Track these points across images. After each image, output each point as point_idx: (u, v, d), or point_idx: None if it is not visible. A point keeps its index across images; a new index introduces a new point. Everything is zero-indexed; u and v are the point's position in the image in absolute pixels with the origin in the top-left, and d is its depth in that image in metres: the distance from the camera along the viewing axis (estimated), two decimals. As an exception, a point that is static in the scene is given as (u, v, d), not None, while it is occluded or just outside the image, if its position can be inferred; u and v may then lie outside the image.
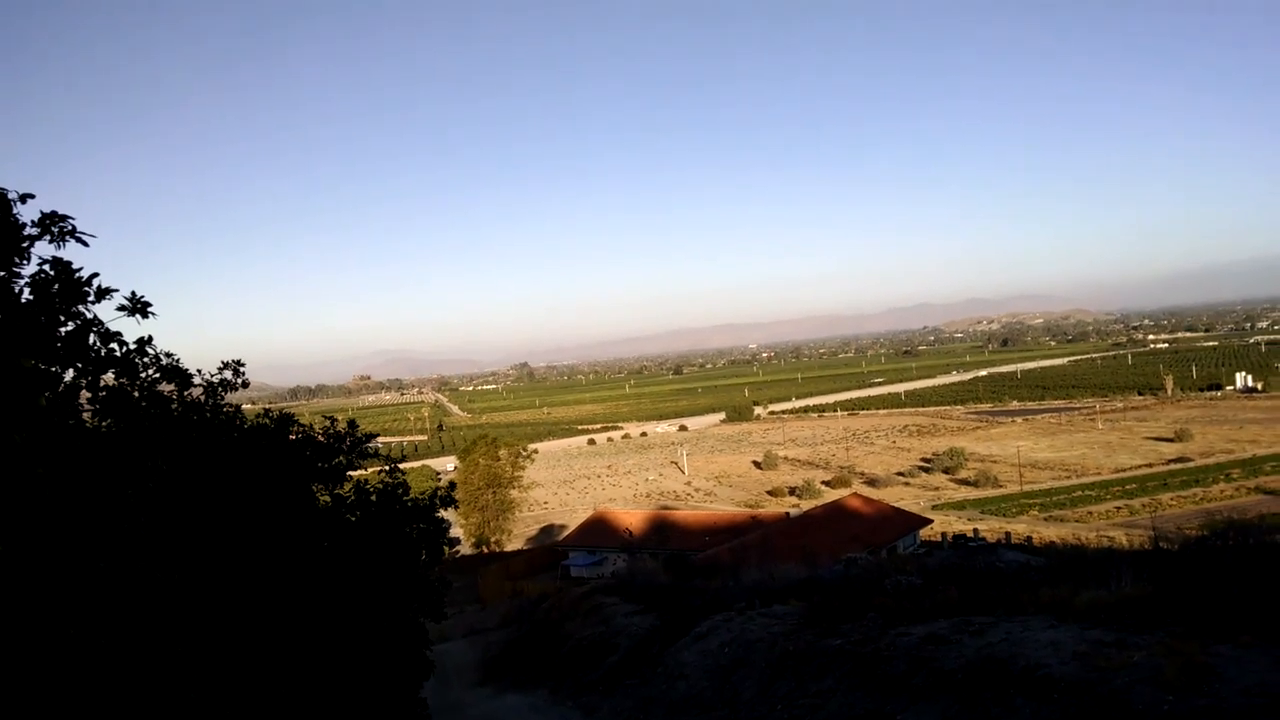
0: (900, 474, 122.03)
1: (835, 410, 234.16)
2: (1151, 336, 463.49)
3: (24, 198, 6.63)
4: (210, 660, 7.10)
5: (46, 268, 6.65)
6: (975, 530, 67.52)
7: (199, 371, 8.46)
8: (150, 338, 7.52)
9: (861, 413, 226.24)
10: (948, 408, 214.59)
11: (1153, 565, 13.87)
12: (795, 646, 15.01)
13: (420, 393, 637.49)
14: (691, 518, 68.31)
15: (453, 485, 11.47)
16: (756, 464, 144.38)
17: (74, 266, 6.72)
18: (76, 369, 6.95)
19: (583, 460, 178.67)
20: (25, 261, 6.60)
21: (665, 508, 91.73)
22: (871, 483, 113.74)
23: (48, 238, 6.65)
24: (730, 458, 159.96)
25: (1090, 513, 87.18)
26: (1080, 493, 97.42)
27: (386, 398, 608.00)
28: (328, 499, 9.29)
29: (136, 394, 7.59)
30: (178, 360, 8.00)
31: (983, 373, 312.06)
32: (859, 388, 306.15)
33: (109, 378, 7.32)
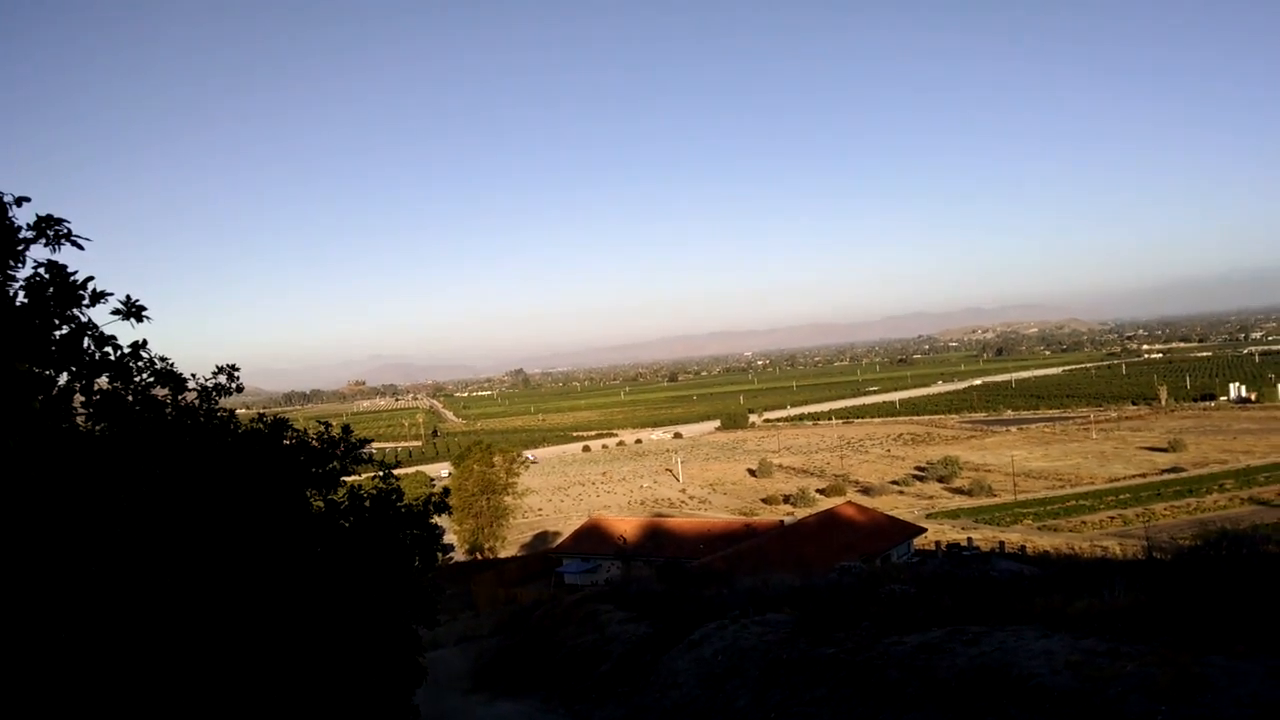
0: (894, 482, 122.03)
1: (830, 418, 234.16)
2: (1146, 346, 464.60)
3: (19, 200, 6.64)
4: (203, 666, 7.08)
5: (41, 271, 6.65)
6: (969, 539, 67.29)
7: (193, 376, 8.47)
8: (145, 342, 7.53)
9: (856, 421, 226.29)
10: (942, 416, 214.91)
11: (1146, 575, 13.89)
12: (789, 655, 14.98)
13: (415, 399, 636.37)
14: (686, 525, 68.26)
15: (447, 491, 11.43)
16: (751, 472, 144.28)
17: (69, 270, 6.73)
18: (70, 373, 6.94)
19: (577, 467, 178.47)
20: (20, 265, 6.61)
21: (660, 515, 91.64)
22: (866, 491, 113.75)
23: (43, 241, 6.66)
24: (725, 465, 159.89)
25: (1084, 522, 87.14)
26: (1074, 502, 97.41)
27: (381, 403, 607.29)
28: (321, 504, 9.28)
29: (130, 398, 7.59)
30: (172, 364, 8.01)
31: (977, 382, 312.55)
32: (854, 396, 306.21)
33: (103, 382, 7.32)
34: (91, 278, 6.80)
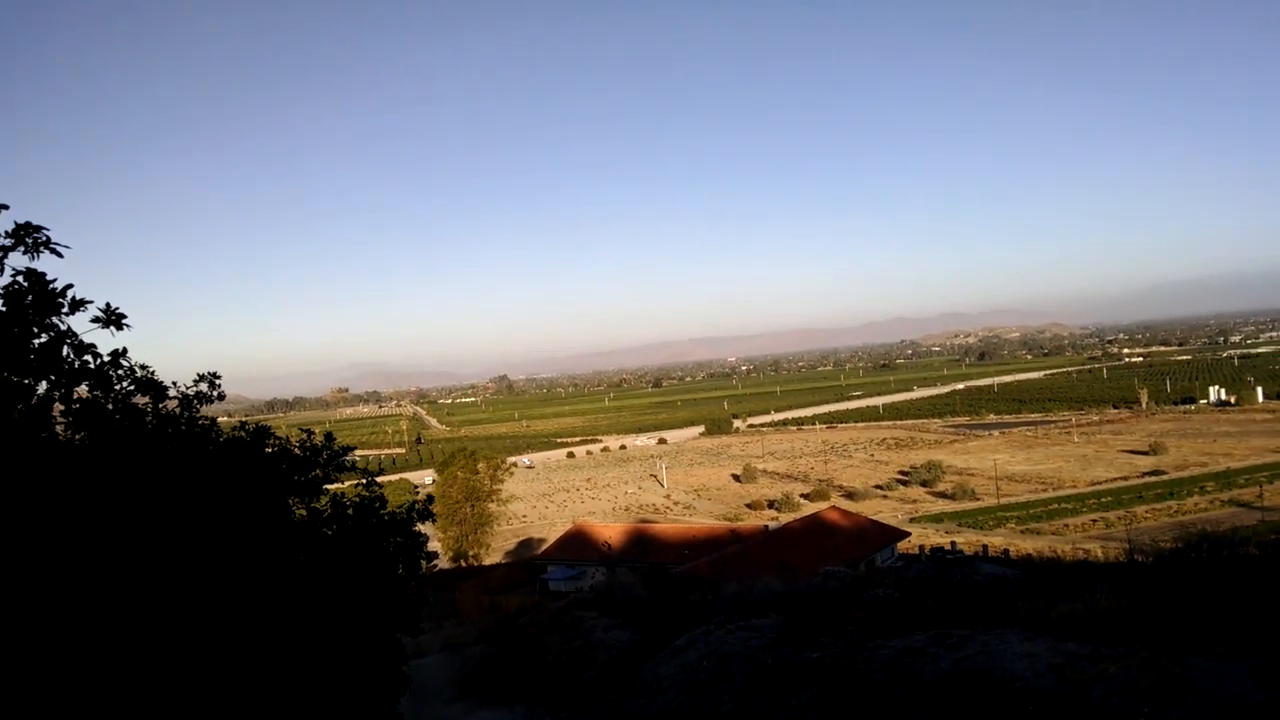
0: (878, 487, 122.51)
1: (814, 423, 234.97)
2: (1126, 350, 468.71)
3: (-3, 208, 6.58)
4: (183, 676, 7.02)
5: (20, 279, 6.61)
6: (953, 543, 67.77)
7: (174, 384, 8.40)
8: (125, 350, 7.48)
9: (840, 426, 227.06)
10: (925, 421, 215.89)
11: (1128, 578, 14.01)
12: (774, 660, 15.01)
13: (398, 405, 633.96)
14: (670, 531, 68.21)
15: (430, 499, 11.37)
16: (735, 477, 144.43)
17: (48, 278, 6.69)
18: (50, 381, 6.90)
19: (562, 473, 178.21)
20: (-1, 273, 6.56)
21: (644, 521, 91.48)
22: (850, 496, 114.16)
23: (21, 249, 6.62)
24: (709, 471, 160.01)
25: (1066, 525, 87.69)
26: (1056, 505, 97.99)
27: (364, 410, 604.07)
28: (304, 512, 9.22)
29: (110, 407, 7.53)
30: (152, 372, 7.96)
31: (960, 386, 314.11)
32: (837, 401, 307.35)
33: (83, 390, 7.27)
34: (71, 285, 6.77)
